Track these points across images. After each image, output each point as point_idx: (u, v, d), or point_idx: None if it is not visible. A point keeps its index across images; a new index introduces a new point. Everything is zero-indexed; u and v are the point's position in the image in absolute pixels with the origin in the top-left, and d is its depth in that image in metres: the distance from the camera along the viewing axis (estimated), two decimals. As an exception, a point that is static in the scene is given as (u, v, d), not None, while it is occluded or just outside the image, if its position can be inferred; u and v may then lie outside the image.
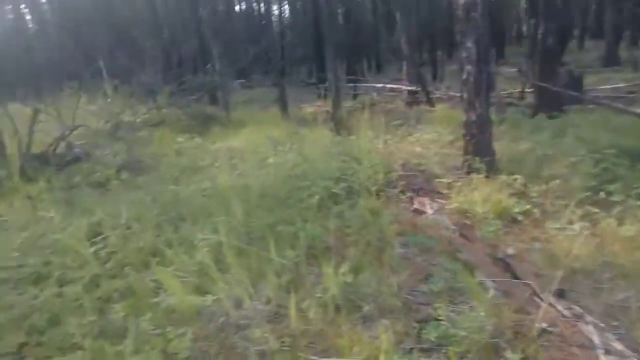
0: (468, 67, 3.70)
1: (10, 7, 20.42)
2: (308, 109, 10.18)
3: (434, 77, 15.27)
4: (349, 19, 20.12)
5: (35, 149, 5.18)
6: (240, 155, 5.31)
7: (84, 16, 14.93)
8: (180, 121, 7.45)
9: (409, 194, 3.64)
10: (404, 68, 9.46)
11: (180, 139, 6.76)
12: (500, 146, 4.34)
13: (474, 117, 3.78)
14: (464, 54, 3.71)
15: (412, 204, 3.52)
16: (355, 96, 11.16)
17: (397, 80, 14.93)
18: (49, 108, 5.74)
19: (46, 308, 2.01)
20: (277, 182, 3.91)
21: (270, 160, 4.83)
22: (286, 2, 25.30)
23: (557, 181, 3.32)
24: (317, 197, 3.49)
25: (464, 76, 3.77)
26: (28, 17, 22.64)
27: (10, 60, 15.94)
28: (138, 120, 7.42)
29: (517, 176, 3.46)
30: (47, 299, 2.05)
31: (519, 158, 4.02)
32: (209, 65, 10.91)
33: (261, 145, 5.60)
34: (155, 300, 2.06)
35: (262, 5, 26.76)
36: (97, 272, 2.36)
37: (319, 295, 2.09)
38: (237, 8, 23.75)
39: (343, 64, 21.76)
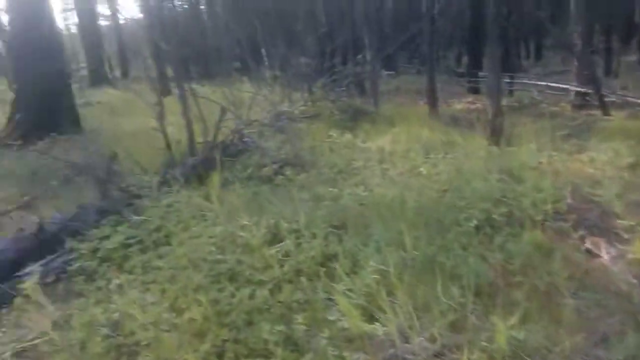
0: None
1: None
2: (457, 105, 9.79)
3: (607, 72, 13.33)
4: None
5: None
6: (390, 158, 5.42)
7: (250, 4, 16.28)
8: (332, 115, 7.81)
9: (580, 231, 3.35)
10: (575, 64, 8.45)
11: (331, 133, 7.15)
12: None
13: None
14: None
15: (584, 243, 3.24)
16: (511, 92, 10.35)
17: (561, 74, 13.44)
18: (226, 102, 6.48)
19: (241, 308, 2.36)
20: (432, 197, 3.93)
21: (422, 169, 4.86)
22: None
23: None
24: (475, 221, 3.44)
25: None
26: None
27: (187, 44, 18.24)
28: (295, 111, 8.01)
29: None
30: (242, 299, 2.42)
31: None
32: (360, 56, 11.12)
33: (411, 150, 5.62)
34: (331, 318, 2.28)
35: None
36: (278, 277, 2.69)
37: (484, 343, 2.11)
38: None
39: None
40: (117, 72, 25.47)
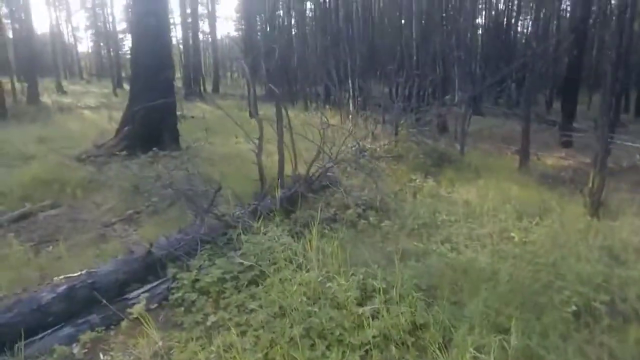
0: None
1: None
2: (548, 160, 9.31)
3: None
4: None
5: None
6: (477, 215, 5.26)
7: (340, 40, 16.73)
8: (416, 157, 7.76)
9: (695, 337, 3.03)
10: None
11: (414, 177, 7.10)
12: None
13: None
14: None
15: (700, 351, 2.93)
16: (608, 146, 9.65)
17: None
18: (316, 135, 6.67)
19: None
20: (526, 272, 3.75)
21: (513, 234, 4.66)
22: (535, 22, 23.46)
23: None
24: (573, 306, 3.24)
25: None
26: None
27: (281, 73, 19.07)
28: (378, 149, 8.06)
29: None
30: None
31: None
32: (448, 96, 11.01)
33: (500, 209, 5.43)
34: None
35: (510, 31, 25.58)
36: (368, 341, 2.69)
37: None
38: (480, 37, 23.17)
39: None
40: (209, 87, 27.28)
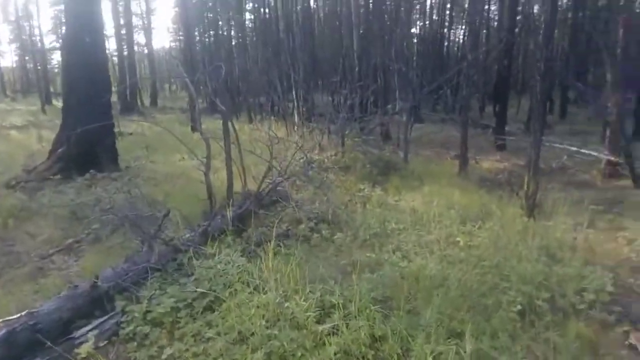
0: None
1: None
2: (485, 163, 9.84)
3: (636, 135, 13.28)
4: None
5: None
6: (424, 223, 5.44)
7: (281, 51, 16.79)
8: (363, 167, 7.92)
9: (624, 325, 3.32)
10: (608, 134, 8.50)
11: (362, 187, 7.25)
12: None
13: None
14: None
15: (628, 337, 3.21)
16: (539, 151, 10.36)
17: (588, 134, 13.47)
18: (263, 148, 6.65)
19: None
20: (473, 275, 3.92)
21: (459, 239, 4.87)
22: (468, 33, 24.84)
23: None
24: (518, 306, 3.44)
25: None
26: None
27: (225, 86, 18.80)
28: (326, 161, 8.16)
29: None
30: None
31: None
32: (390, 105, 11.35)
33: (445, 214, 5.65)
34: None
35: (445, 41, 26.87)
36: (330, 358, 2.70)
37: None
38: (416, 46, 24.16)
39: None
40: (147, 101, 26.31)
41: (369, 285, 3.54)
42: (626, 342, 3.19)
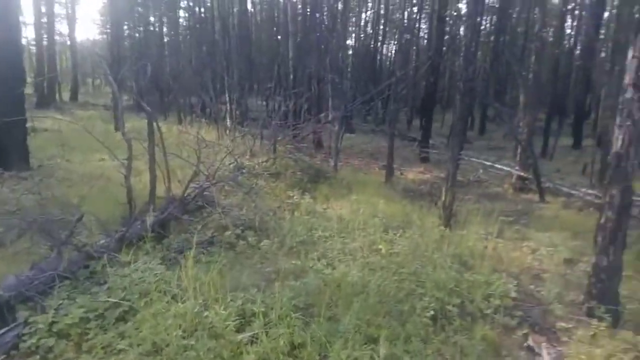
0: (608, 213, 3.66)
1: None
2: (410, 174, 10.30)
3: (543, 154, 14.65)
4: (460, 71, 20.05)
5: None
6: (350, 231, 5.58)
7: (216, 52, 16.47)
8: (294, 174, 7.96)
9: (524, 328, 3.63)
10: (519, 152, 9.28)
11: (292, 194, 7.28)
12: (626, 285, 4.15)
13: (605, 263, 3.71)
14: (607, 199, 3.69)
15: (527, 341, 3.52)
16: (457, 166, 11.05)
17: (504, 150, 14.61)
18: (190, 151, 6.45)
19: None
20: (392, 282, 4.09)
21: (381, 246, 5.06)
22: (398, 49, 25.97)
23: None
24: (431, 311, 3.64)
25: (602, 220, 3.73)
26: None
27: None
28: (257, 167, 8.10)
29: (644, 338, 3.33)
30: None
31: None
32: (323, 114, 11.54)
33: (369, 223, 5.83)
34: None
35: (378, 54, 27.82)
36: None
37: None
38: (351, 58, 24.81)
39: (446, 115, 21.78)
40: (66, 95, 24.50)
41: (291, 293, 3.57)
42: (525, 344, 3.49)
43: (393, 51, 33.13)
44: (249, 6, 25.76)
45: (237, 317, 3.16)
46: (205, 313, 3.16)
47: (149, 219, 4.67)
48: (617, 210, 3.63)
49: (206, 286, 3.51)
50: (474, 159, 10.93)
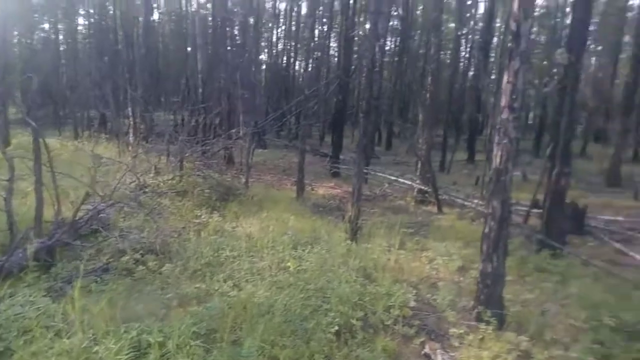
0: (491, 223, 4.04)
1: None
2: (321, 190, 10.51)
3: (441, 168, 15.82)
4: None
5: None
6: (258, 250, 5.52)
7: (119, 64, 15.58)
8: (202, 192, 7.71)
9: (421, 337, 3.84)
10: (419, 166, 9.92)
11: (199, 213, 7.04)
12: (509, 289, 4.58)
13: (489, 270, 4.07)
14: (489, 210, 4.07)
15: (424, 348, 3.72)
16: (366, 180, 11.51)
17: (407, 165, 15.51)
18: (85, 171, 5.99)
19: None
20: (299, 299, 4.10)
21: (289, 264, 5.07)
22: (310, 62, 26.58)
23: (560, 352, 3.56)
24: (335, 327, 3.71)
25: (486, 230, 4.10)
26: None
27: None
28: (162, 185, 7.73)
29: (523, 337, 3.69)
30: None
31: (525, 312, 4.26)
32: (234, 130, 11.38)
33: (279, 241, 5.82)
34: None
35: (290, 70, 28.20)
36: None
37: None
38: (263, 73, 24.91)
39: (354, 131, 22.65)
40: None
41: (192, 319, 3.43)
42: (422, 352, 3.69)
43: (306, 68, 33.88)
44: (156, 16, 24.81)
45: (131, 350, 2.96)
46: (95, 348, 2.92)
47: (31, 247, 4.22)
48: (499, 221, 4.02)
49: (96, 318, 3.25)
50: (380, 174, 11.47)
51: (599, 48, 29.23)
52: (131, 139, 10.90)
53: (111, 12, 20.31)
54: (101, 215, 5.81)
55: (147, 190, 7.41)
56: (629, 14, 21.10)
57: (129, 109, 12.34)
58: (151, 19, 20.58)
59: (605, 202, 10.72)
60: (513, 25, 3.90)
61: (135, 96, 12.25)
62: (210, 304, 3.84)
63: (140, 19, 18.50)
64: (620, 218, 8.83)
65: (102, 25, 21.26)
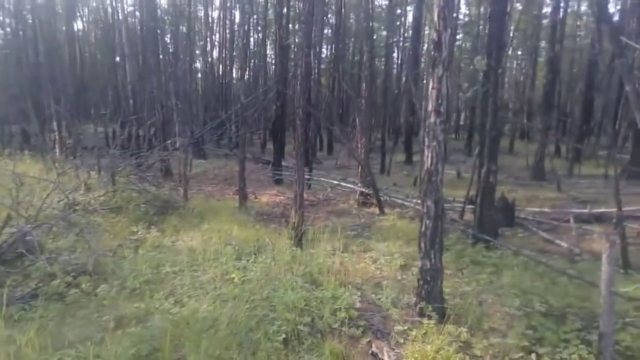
0: (427, 222, 4.21)
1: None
2: (264, 197, 10.43)
3: (382, 170, 16.27)
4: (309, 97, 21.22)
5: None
6: (201, 263, 5.37)
7: (41, 76, 14.62)
8: (137, 207, 7.39)
9: (368, 336, 3.91)
10: (359, 170, 10.13)
11: (136, 229, 6.74)
12: (448, 283, 4.79)
13: (428, 266, 4.24)
14: (424, 210, 4.24)
15: (371, 348, 3.79)
16: (309, 186, 11.59)
17: (349, 168, 15.80)
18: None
19: None
20: (244, 311, 4.04)
21: (234, 275, 4.97)
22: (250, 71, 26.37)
23: (497, 339, 3.78)
24: (283, 334, 3.69)
25: (423, 228, 4.27)
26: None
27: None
28: (93, 201, 7.31)
29: (463, 328, 3.87)
30: None
31: (462, 305, 4.46)
32: (169, 141, 11.01)
33: (222, 252, 5.70)
34: None
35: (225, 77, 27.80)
36: None
37: None
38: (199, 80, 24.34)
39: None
40: None
41: (131, 341, 3.27)
42: (370, 352, 3.76)
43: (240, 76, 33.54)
44: (80, 25, 23.54)
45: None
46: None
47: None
48: (434, 219, 4.19)
49: (24, 349, 3.01)
50: (323, 179, 11.59)
51: (519, 53, 31.58)
52: (57, 154, 10.23)
53: (30, 21, 19.00)
54: (27, 237, 5.42)
55: (77, 208, 6.98)
56: (544, 21, 22.93)
57: (54, 122, 11.57)
58: (75, 28, 19.47)
59: (532, 195, 11.52)
60: (434, 35, 4.10)
61: (58, 109, 11.51)
62: (151, 323, 3.69)
63: (64, 28, 17.52)
64: (546, 209, 9.52)
65: (19, 35, 19.82)
